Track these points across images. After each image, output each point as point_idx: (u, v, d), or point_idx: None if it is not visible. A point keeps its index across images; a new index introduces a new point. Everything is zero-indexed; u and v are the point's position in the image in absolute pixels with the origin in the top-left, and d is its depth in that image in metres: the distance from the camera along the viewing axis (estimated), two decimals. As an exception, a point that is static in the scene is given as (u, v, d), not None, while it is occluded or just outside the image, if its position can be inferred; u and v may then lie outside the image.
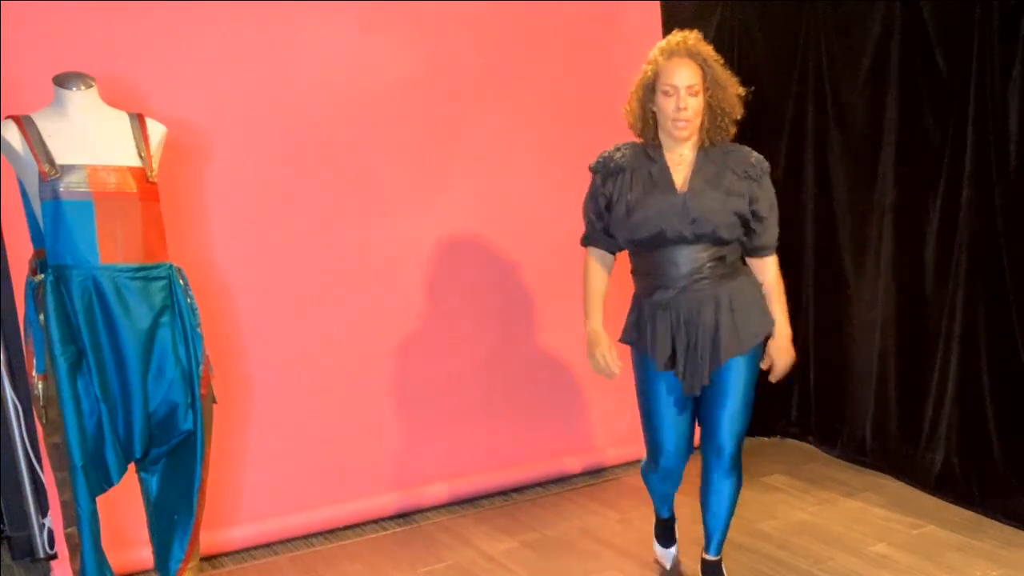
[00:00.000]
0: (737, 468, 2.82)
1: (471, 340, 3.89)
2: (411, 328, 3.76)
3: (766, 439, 4.41)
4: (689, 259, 2.65)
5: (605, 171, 2.75)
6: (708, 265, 2.66)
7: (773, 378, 2.82)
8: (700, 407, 2.80)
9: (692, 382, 2.69)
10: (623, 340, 2.85)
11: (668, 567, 3.13)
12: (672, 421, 2.77)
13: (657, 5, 4.15)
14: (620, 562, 3.24)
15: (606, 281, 2.87)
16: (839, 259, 4.05)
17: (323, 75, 3.52)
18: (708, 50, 2.68)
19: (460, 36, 3.75)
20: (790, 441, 4.37)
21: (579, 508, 3.73)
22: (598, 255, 2.86)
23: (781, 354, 2.79)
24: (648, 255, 2.71)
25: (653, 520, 3.19)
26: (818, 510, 3.57)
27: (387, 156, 3.66)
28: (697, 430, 2.88)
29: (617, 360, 2.76)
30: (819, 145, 4.10)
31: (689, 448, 2.85)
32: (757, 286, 2.77)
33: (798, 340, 4.21)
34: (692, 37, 2.68)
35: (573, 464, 4.08)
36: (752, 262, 2.82)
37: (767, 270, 2.80)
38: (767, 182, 2.74)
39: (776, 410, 4.46)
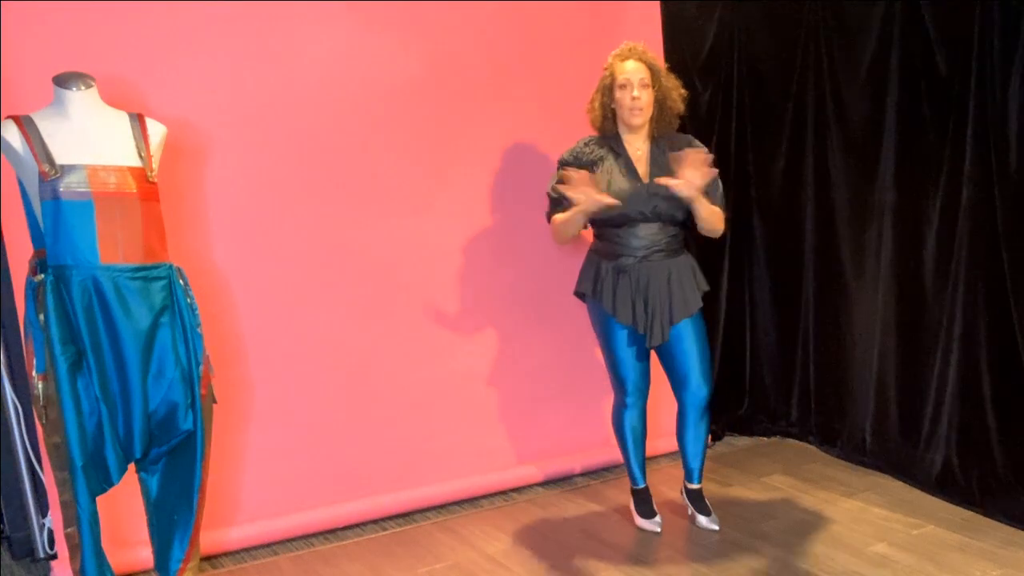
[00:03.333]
0: (709, 410, 3.42)
1: (471, 340, 3.90)
2: (411, 328, 3.76)
3: (766, 439, 4.41)
4: (648, 234, 3.22)
5: (578, 164, 3.25)
6: (664, 240, 3.24)
7: (692, 185, 3.07)
8: (671, 364, 3.35)
9: (652, 338, 3.24)
10: (577, 293, 3.39)
11: (658, 531, 3.45)
12: (633, 357, 3.31)
13: (657, 5, 4.16)
14: (620, 562, 3.24)
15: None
16: (839, 259, 4.05)
17: (323, 75, 3.52)
18: (653, 56, 3.26)
19: (461, 36, 3.75)
20: (790, 441, 4.36)
21: (579, 508, 3.73)
22: None
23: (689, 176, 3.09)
24: (615, 229, 3.25)
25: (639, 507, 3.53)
26: (818, 510, 3.57)
27: (388, 156, 3.67)
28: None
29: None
30: (819, 145, 4.09)
31: (648, 382, 3.38)
32: (693, 266, 3.33)
33: (798, 340, 4.25)
34: (640, 45, 3.26)
35: (573, 464, 4.08)
36: None
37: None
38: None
39: (776, 410, 4.47)
